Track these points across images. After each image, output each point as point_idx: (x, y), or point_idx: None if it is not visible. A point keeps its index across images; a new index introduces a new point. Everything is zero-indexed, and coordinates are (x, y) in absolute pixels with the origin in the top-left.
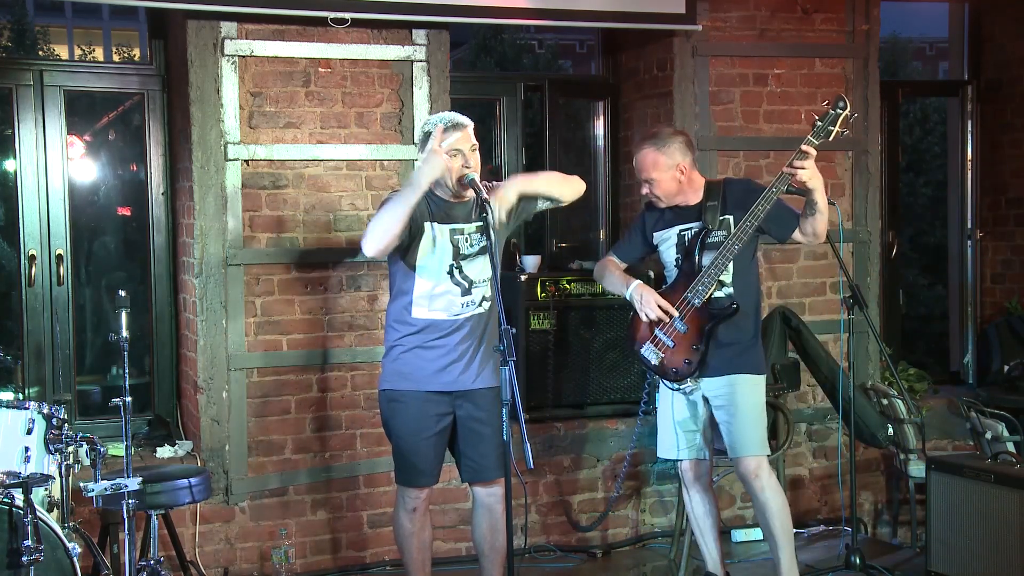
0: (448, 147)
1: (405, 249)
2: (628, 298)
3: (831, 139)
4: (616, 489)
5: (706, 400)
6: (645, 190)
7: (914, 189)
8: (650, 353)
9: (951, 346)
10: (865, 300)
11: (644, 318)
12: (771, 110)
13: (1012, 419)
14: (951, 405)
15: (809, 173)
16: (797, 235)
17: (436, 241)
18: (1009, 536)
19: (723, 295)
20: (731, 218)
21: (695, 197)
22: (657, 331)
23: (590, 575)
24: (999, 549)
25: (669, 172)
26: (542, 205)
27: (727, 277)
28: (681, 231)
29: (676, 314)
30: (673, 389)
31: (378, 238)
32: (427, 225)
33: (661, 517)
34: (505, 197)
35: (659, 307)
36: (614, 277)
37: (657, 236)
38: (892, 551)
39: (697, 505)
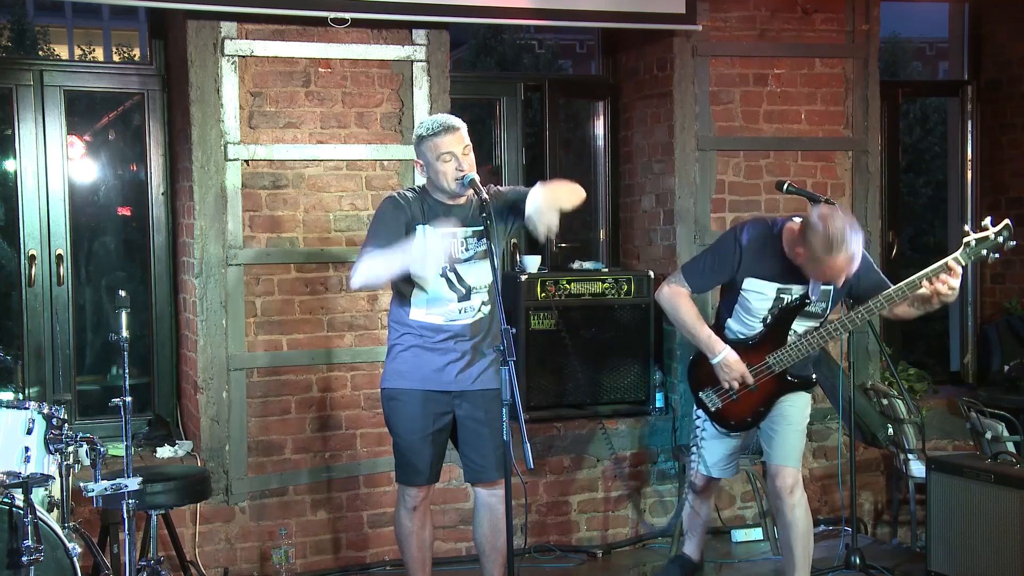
0: (440, 150)
1: None
2: (714, 364)
3: (976, 261)
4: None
5: None
6: (838, 281)
7: (914, 189)
8: (709, 399)
9: (951, 346)
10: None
11: (724, 386)
12: (771, 110)
13: (1012, 419)
14: (951, 405)
15: (954, 295)
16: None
17: (427, 245)
18: (1009, 536)
19: (794, 365)
20: (831, 289)
21: None
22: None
23: (590, 575)
24: (999, 549)
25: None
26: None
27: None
28: (781, 290)
29: (753, 383)
30: (722, 434)
31: (363, 280)
32: (419, 228)
33: (661, 517)
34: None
35: (742, 378)
36: (698, 329)
37: (750, 282)
38: (892, 551)
39: (700, 508)
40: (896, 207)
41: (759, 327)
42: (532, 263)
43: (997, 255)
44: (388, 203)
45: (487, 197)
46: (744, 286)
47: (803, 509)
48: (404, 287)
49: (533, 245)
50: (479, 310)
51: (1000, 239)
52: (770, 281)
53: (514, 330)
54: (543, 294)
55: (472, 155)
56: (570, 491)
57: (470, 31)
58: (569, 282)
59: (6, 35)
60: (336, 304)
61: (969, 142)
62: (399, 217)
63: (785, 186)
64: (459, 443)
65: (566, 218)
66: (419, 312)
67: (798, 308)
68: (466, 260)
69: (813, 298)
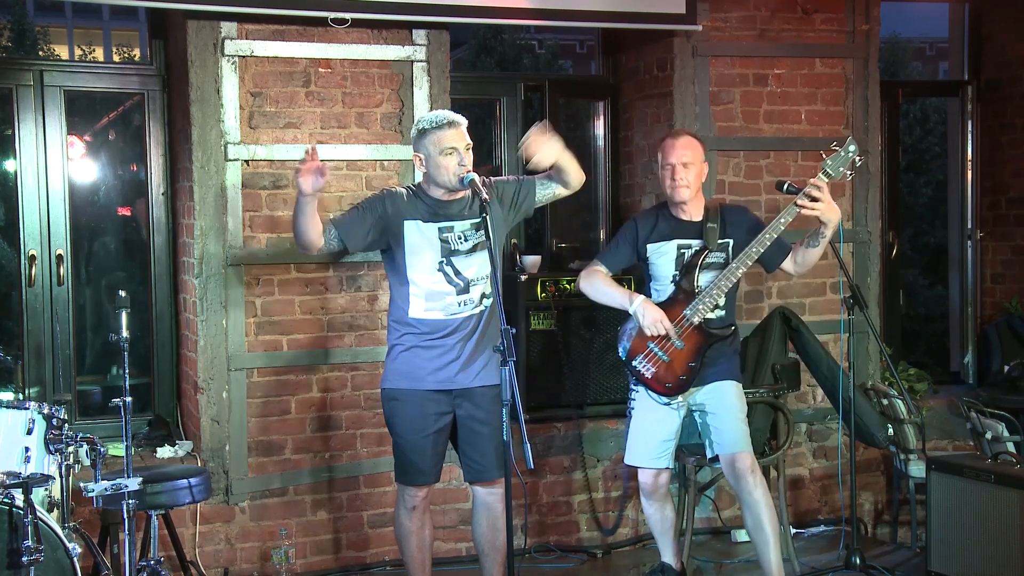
0: (444, 145)
1: (391, 250)
2: (632, 312)
3: (839, 179)
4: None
5: (687, 411)
6: (677, 176)
7: (914, 189)
8: (642, 365)
9: (951, 346)
10: (865, 300)
11: (647, 332)
12: (771, 110)
13: (1012, 419)
14: (951, 405)
15: (824, 206)
16: (787, 265)
17: (420, 240)
18: (1009, 536)
19: (715, 316)
20: (731, 242)
21: (697, 213)
22: (652, 345)
23: (590, 575)
24: (999, 549)
25: (701, 164)
26: (544, 197)
27: (720, 299)
28: (680, 246)
29: (676, 332)
30: (662, 403)
31: (297, 241)
32: (407, 224)
33: None
34: (540, 163)
35: (663, 322)
36: (611, 290)
37: (651, 248)
38: (892, 551)
39: (656, 512)
40: (896, 207)
41: (671, 287)
42: (532, 263)
43: (852, 174)
44: (375, 196)
45: (487, 198)
46: (649, 253)
47: (764, 487)
48: (400, 285)
49: (533, 245)
50: (480, 303)
51: (849, 153)
52: (666, 240)
53: (514, 330)
54: (543, 294)
55: (471, 153)
56: (570, 491)
57: (470, 31)
58: (569, 282)
59: (6, 35)
60: (336, 304)
61: (969, 142)
62: (374, 207)
63: (785, 186)
64: (459, 442)
65: (566, 218)
66: (418, 308)
67: (698, 258)
68: (465, 252)
69: (710, 248)
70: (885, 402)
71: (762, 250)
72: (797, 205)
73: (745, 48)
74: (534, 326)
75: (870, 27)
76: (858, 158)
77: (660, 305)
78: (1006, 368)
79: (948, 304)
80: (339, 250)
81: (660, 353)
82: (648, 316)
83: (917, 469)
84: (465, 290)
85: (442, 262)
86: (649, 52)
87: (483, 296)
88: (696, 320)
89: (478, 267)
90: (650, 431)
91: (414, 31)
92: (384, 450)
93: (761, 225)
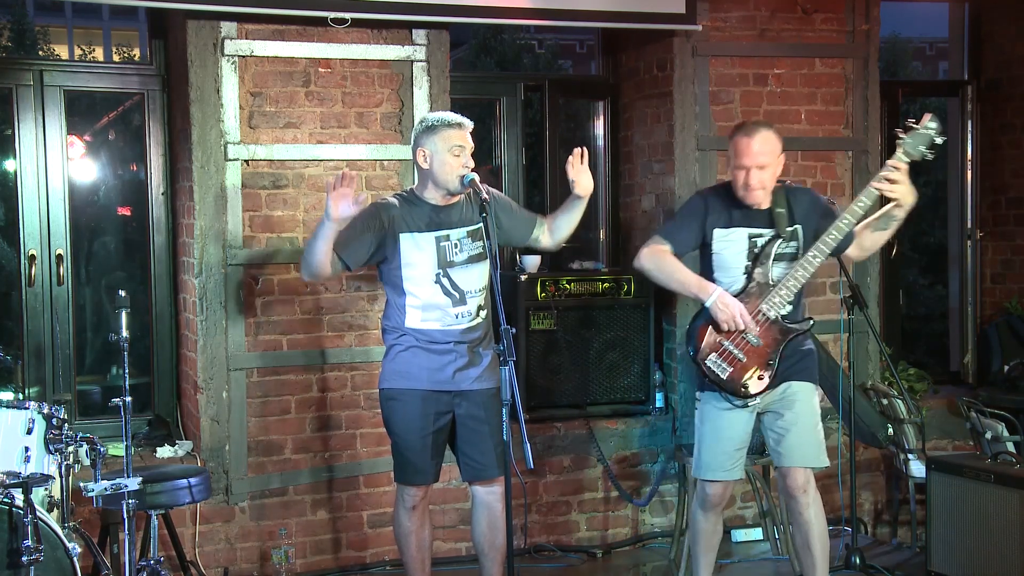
0: (453, 142)
1: (387, 261)
2: (708, 305)
3: (919, 159)
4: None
5: (757, 415)
6: (751, 180)
7: (914, 189)
8: (716, 366)
9: (951, 346)
10: (865, 300)
11: (724, 328)
12: (771, 110)
13: (1012, 419)
14: (951, 405)
15: (904, 188)
16: (852, 250)
17: (417, 252)
18: (1009, 536)
19: (786, 311)
20: (799, 228)
21: (766, 200)
22: (726, 343)
23: (590, 575)
24: (999, 549)
25: (777, 161)
26: (531, 237)
27: (794, 292)
28: (752, 235)
29: (756, 328)
30: (738, 406)
31: (305, 266)
32: (403, 237)
33: (661, 517)
34: (580, 184)
35: (742, 317)
36: (684, 276)
37: (718, 234)
38: (892, 551)
39: (711, 527)
40: None
41: (743, 279)
42: (532, 263)
43: (932, 154)
44: (369, 208)
45: (487, 197)
46: (715, 240)
47: (818, 507)
48: (397, 296)
49: None
50: (476, 314)
51: (929, 129)
52: (735, 227)
53: (514, 330)
54: (543, 294)
55: (472, 160)
56: (570, 491)
57: (470, 31)
58: (569, 282)
59: (6, 35)
60: (336, 304)
61: (969, 142)
62: (370, 223)
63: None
64: (458, 441)
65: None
66: (414, 319)
67: (770, 245)
68: (461, 264)
69: (783, 237)
70: (885, 402)
71: (840, 237)
72: (874, 187)
73: (745, 48)
74: (534, 326)
75: (870, 27)
76: (939, 138)
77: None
78: (1006, 368)
79: (948, 304)
80: (341, 272)
81: (736, 351)
82: (728, 309)
83: (917, 469)
84: (462, 301)
85: (439, 274)
86: (649, 52)
87: (479, 308)
88: (773, 315)
89: (475, 279)
90: (723, 439)
91: (414, 31)
92: (383, 450)
93: (825, 206)
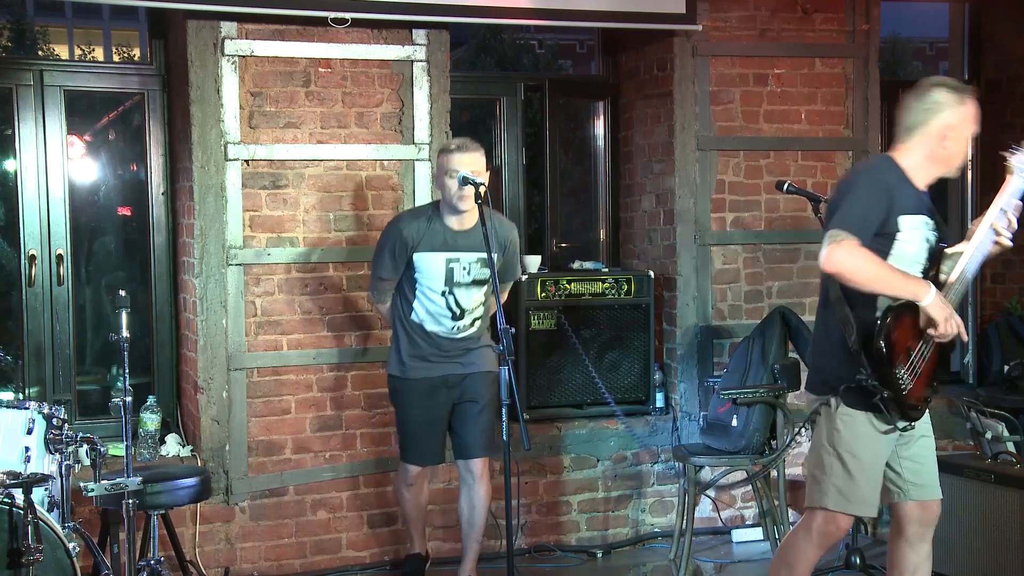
0: (449, 167)
1: (406, 266)
2: (923, 306)
3: None
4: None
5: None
6: (965, 150)
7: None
8: (903, 379)
9: None
10: None
11: (942, 330)
12: (771, 110)
13: (1012, 419)
14: (951, 405)
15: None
16: None
17: (428, 268)
18: (1009, 536)
19: None
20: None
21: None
22: (914, 353)
23: (590, 575)
24: (999, 549)
25: None
26: (502, 279)
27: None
28: (927, 224)
29: (966, 336)
30: (900, 429)
31: (379, 309)
32: (416, 256)
33: (661, 517)
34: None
35: (957, 323)
36: (893, 274)
37: (904, 221)
38: None
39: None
40: None
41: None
42: (532, 263)
43: None
44: (394, 233)
45: (483, 183)
46: (900, 228)
47: (930, 544)
48: (408, 292)
49: (533, 245)
50: (472, 324)
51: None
52: (918, 215)
53: (514, 330)
54: (543, 294)
55: (485, 177)
56: (570, 491)
57: (470, 31)
58: (569, 282)
59: (6, 35)
60: (336, 304)
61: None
62: (396, 246)
63: (785, 186)
64: (452, 422)
65: (566, 218)
66: (419, 315)
67: (941, 241)
68: (465, 285)
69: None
70: None
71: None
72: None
73: (745, 48)
74: (534, 326)
75: (870, 27)
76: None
77: (915, 305)
78: (1006, 368)
79: None
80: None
81: (919, 364)
82: (946, 310)
83: None
84: (460, 317)
85: (445, 291)
86: (649, 52)
87: (475, 320)
88: None
89: (476, 298)
90: (875, 470)
91: (414, 31)
92: (383, 450)
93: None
